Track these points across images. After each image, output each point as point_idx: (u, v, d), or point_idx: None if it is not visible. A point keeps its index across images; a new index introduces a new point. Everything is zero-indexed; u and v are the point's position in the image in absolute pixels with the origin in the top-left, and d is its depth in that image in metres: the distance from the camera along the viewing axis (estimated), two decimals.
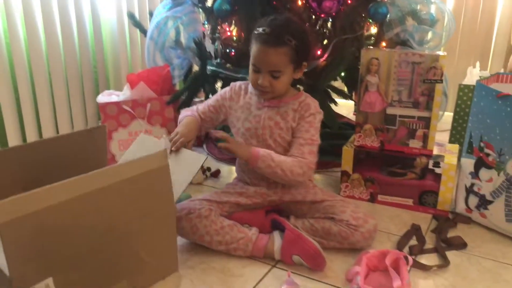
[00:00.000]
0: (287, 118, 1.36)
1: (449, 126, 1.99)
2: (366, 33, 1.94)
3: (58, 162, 1.20)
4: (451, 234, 1.40)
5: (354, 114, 2.32)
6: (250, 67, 1.33)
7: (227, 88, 1.48)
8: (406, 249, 1.33)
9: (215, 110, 1.46)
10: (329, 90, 1.83)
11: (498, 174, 1.34)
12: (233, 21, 1.89)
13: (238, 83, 1.46)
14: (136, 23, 2.18)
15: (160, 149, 1.10)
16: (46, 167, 1.17)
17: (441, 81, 1.46)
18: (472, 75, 1.98)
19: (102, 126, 1.30)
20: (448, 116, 2.18)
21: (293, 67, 1.31)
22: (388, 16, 1.67)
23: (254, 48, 1.30)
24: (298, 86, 1.67)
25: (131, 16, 2.18)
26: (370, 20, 1.89)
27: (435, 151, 1.56)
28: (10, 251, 0.85)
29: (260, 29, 1.28)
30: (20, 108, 2.02)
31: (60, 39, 2.08)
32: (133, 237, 1.07)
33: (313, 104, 1.38)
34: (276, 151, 1.33)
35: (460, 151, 1.55)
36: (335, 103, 1.87)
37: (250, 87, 1.44)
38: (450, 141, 1.94)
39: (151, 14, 2.12)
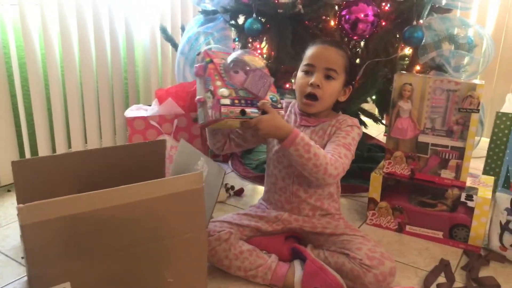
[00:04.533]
0: (323, 135, 1.32)
1: (484, 153, 1.90)
2: (400, 54, 1.88)
3: (116, 170, 1.27)
4: (483, 273, 1.33)
5: (384, 135, 2.26)
6: (300, 73, 1.32)
7: None
8: (433, 287, 1.26)
9: None
10: (359, 112, 1.79)
11: None
12: (264, 39, 1.88)
13: None
14: (168, 37, 2.18)
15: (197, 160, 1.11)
16: (103, 174, 1.25)
17: (478, 110, 1.39)
18: (511, 102, 1.89)
19: (162, 140, 1.35)
20: (484, 142, 2.09)
21: (344, 79, 1.31)
22: (423, 40, 1.60)
23: (311, 49, 1.32)
24: None
25: (163, 30, 2.18)
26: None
27: (469, 182, 1.49)
28: (30, 252, 0.88)
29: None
30: (52, 118, 2.05)
31: (93, 52, 2.10)
32: (159, 256, 1.05)
33: (352, 120, 1.35)
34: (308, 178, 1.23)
35: (496, 184, 1.48)
36: (365, 125, 1.82)
37: (290, 106, 1.41)
38: (485, 170, 1.86)
39: (183, 29, 2.13)
